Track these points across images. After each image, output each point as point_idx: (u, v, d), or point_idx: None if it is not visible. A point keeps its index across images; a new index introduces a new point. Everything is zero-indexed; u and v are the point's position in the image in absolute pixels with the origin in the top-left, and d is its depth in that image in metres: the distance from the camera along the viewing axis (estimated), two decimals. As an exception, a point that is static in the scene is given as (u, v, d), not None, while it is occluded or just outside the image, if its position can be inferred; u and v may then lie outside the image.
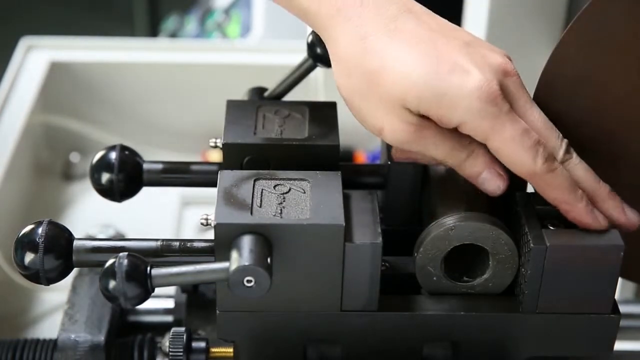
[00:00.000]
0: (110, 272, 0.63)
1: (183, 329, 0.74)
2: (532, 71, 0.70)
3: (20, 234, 0.66)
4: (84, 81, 1.26)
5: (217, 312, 0.68)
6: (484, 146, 0.65)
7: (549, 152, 0.64)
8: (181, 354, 0.73)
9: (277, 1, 0.70)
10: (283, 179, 0.68)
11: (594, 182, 0.67)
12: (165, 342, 0.77)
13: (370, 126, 0.68)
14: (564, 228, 0.67)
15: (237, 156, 0.72)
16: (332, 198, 0.67)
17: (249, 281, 0.62)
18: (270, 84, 0.79)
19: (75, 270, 0.74)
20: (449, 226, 0.68)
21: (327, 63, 0.73)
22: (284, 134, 0.73)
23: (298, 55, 0.77)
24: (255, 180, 0.68)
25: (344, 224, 0.65)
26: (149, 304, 0.67)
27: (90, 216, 1.13)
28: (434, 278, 0.69)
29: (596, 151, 0.69)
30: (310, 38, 0.73)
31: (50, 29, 1.89)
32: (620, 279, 0.70)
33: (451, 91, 0.63)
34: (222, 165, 0.72)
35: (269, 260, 0.63)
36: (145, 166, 0.76)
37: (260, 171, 0.69)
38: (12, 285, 1.01)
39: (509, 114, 0.64)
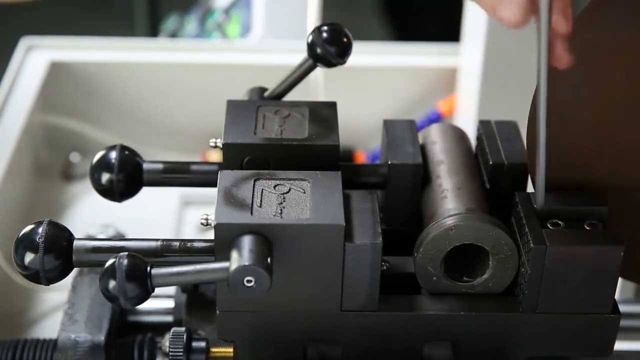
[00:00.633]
0: (110, 272, 0.63)
1: (183, 329, 0.74)
2: (532, 71, 0.70)
3: (20, 234, 0.66)
4: (84, 81, 1.26)
5: (217, 312, 0.68)
6: None
7: None
8: (181, 354, 0.73)
9: None
10: (283, 179, 0.68)
11: None
12: (165, 342, 0.77)
13: None
14: (564, 228, 0.67)
15: (237, 156, 0.72)
16: (332, 198, 0.67)
17: (249, 281, 0.62)
18: (270, 84, 0.79)
19: (75, 270, 0.74)
20: (449, 226, 0.68)
21: (327, 63, 0.73)
22: (284, 134, 0.73)
23: (298, 55, 0.77)
24: (255, 180, 0.68)
25: (344, 224, 0.65)
26: (149, 304, 0.67)
27: (90, 216, 1.13)
28: (434, 278, 0.69)
29: (597, 151, 0.69)
30: (310, 38, 0.73)
31: (50, 29, 1.89)
32: (620, 279, 0.70)
33: None
34: (222, 165, 0.72)
35: (269, 260, 0.63)
36: (145, 166, 0.76)
37: (260, 171, 0.69)
38: (12, 285, 1.01)
39: None
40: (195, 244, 0.67)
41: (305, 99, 0.76)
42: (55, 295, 1.02)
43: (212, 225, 0.65)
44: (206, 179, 0.76)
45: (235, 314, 0.69)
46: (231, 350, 0.73)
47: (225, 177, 0.68)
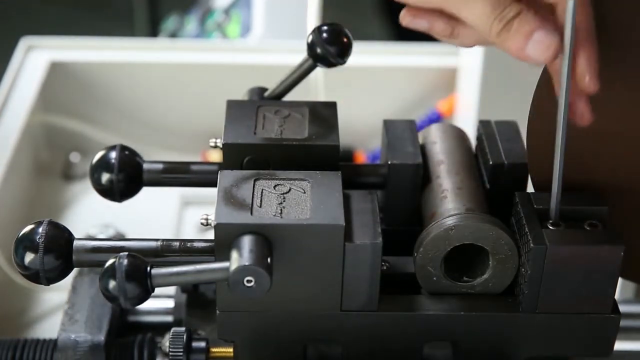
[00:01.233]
0: (110, 272, 0.63)
1: (183, 329, 0.74)
2: (532, 71, 0.70)
3: (20, 234, 0.66)
4: (84, 81, 1.26)
5: (217, 312, 0.68)
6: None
7: None
8: (181, 354, 0.73)
9: None
10: (283, 179, 0.68)
11: None
12: (165, 342, 0.77)
13: None
14: (564, 228, 0.67)
15: (237, 156, 0.72)
16: (332, 198, 0.67)
17: (249, 281, 0.62)
18: (270, 84, 0.79)
19: (75, 270, 0.74)
20: (449, 226, 0.68)
21: (327, 63, 0.73)
22: (284, 134, 0.73)
23: (298, 55, 0.77)
24: (255, 180, 0.68)
25: (344, 224, 0.65)
26: (149, 304, 0.67)
27: (90, 216, 1.13)
28: (434, 278, 0.69)
29: (597, 152, 0.69)
30: (310, 38, 0.73)
31: (50, 29, 1.89)
32: (620, 279, 0.70)
33: None
34: (222, 165, 0.72)
35: (269, 260, 0.63)
36: (145, 166, 0.76)
37: (260, 171, 0.69)
38: (12, 285, 1.01)
39: None
40: (195, 244, 0.67)
41: (305, 99, 0.76)
42: (55, 295, 1.02)
43: (212, 225, 0.65)
44: (206, 179, 0.76)
45: (235, 314, 0.69)
46: (231, 350, 0.73)
47: (225, 177, 0.68)
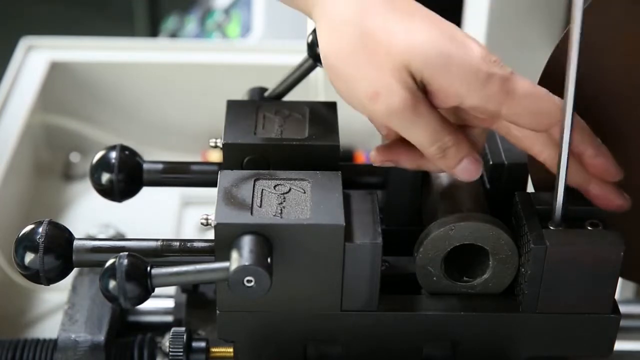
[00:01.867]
0: (110, 272, 0.63)
1: (183, 329, 0.74)
2: (532, 71, 0.70)
3: (20, 234, 0.66)
4: (84, 81, 1.26)
5: (217, 312, 0.68)
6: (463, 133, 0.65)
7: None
8: (181, 354, 0.73)
9: None
10: (283, 179, 0.68)
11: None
12: (165, 342, 0.77)
13: (361, 92, 0.63)
14: (564, 228, 0.67)
15: (237, 156, 0.72)
16: (332, 198, 0.67)
17: (249, 281, 0.62)
18: (270, 84, 0.79)
19: (75, 270, 0.74)
20: (449, 226, 0.68)
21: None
22: (284, 134, 0.73)
23: (298, 55, 0.77)
24: (255, 180, 0.68)
25: (344, 224, 0.65)
26: (149, 304, 0.68)
27: (90, 216, 1.13)
28: (434, 278, 0.69)
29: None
30: (311, 38, 0.73)
31: (50, 29, 1.89)
32: (620, 279, 0.70)
33: (458, 57, 0.62)
34: (222, 165, 0.72)
35: (269, 260, 0.63)
36: (145, 166, 0.76)
37: (260, 171, 0.69)
38: (12, 285, 1.01)
39: (513, 74, 0.63)
40: (195, 244, 0.67)
41: (305, 99, 0.76)
42: (55, 295, 1.02)
43: (212, 225, 0.65)
44: (206, 179, 0.76)
45: (235, 314, 0.69)
46: (231, 350, 0.73)
47: (225, 177, 0.68)
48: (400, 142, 0.67)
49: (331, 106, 0.75)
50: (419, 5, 0.65)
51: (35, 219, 0.67)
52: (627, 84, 0.68)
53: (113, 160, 0.74)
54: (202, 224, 0.67)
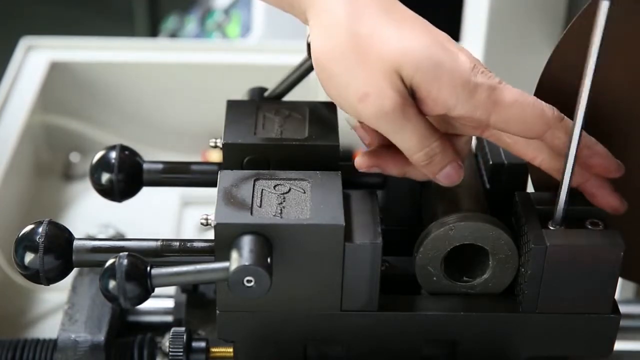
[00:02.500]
0: (110, 272, 0.63)
1: (183, 329, 0.74)
2: (532, 71, 0.70)
3: (20, 234, 0.66)
4: (84, 81, 1.26)
5: (217, 312, 0.68)
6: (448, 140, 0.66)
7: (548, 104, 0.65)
8: (181, 354, 0.73)
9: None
10: (283, 179, 0.68)
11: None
12: (165, 342, 0.77)
13: (351, 93, 0.64)
14: (564, 228, 0.67)
15: (237, 156, 0.72)
16: (332, 198, 0.67)
17: (249, 281, 0.62)
18: (270, 84, 0.78)
19: (75, 270, 0.74)
20: (449, 226, 0.68)
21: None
22: (284, 134, 0.73)
23: (298, 55, 0.77)
24: (255, 180, 0.68)
25: (344, 224, 0.65)
26: (149, 304, 0.67)
27: (90, 216, 1.13)
28: (434, 278, 0.69)
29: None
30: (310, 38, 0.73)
31: (50, 29, 1.89)
32: (620, 279, 0.70)
33: (448, 66, 0.63)
34: (222, 165, 0.72)
35: (269, 260, 0.63)
36: (145, 166, 0.76)
37: (260, 171, 0.69)
38: (12, 285, 1.01)
39: (502, 84, 0.64)
40: (195, 244, 0.67)
41: (305, 99, 0.76)
42: (55, 295, 1.02)
43: (212, 225, 0.65)
44: (206, 179, 0.76)
45: (235, 314, 0.69)
46: (231, 350, 0.73)
47: (225, 177, 0.68)
48: (386, 148, 0.68)
49: (331, 106, 0.75)
50: (413, 13, 0.66)
51: (35, 219, 0.67)
52: (627, 82, 0.68)
53: (113, 160, 0.74)
54: (202, 224, 0.67)
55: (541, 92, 0.69)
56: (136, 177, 0.76)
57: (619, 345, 0.73)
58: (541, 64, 0.69)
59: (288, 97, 0.78)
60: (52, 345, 0.77)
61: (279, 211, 0.66)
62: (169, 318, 0.84)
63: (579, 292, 0.68)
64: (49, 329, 1.00)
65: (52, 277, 0.66)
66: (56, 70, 1.24)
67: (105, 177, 0.74)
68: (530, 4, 1.09)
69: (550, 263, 0.66)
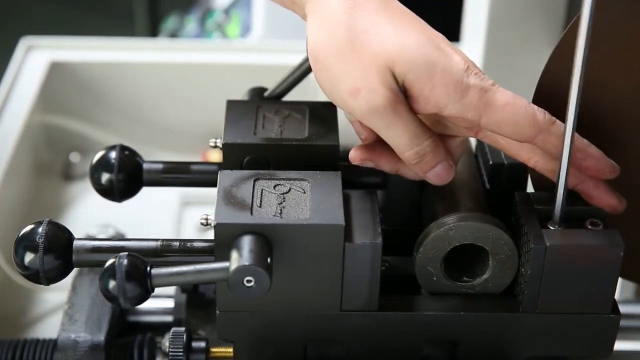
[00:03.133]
0: (110, 272, 0.63)
1: (183, 329, 0.74)
2: (532, 71, 0.70)
3: (20, 234, 0.66)
4: (84, 81, 1.26)
5: (217, 312, 0.68)
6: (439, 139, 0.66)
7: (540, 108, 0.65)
8: (181, 354, 0.73)
9: None
10: (283, 179, 0.68)
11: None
12: (165, 342, 0.77)
13: (343, 88, 0.65)
14: (564, 228, 0.67)
15: (237, 156, 0.72)
16: (332, 198, 0.67)
17: (249, 281, 0.62)
18: (270, 84, 0.78)
19: (75, 270, 0.74)
20: (449, 226, 0.68)
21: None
22: (284, 134, 0.73)
23: (298, 55, 0.77)
24: (255, 180, 0.68)
25: (344, 224, 0.65)
26: (149, 304, 0.67)
27: (90, 216, 1.13)
28: (434, 278, 0.69)
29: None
30: (310, 38, 0.73)
31: (50, 29, 1.89)
32: (620, 279, 0.70)
33: (441, 66, 0.63)
34: (222, 165, 0.72)
35: (269, 260, 0.63)
36: (145, 166, 0.76)
37: (260, 171, 0.69)
38: (12, 285, 1.01)
39: (494, 86, 0.65)
40: (195, 244, 0.67)
41: (305, 99, 0.76)
42: (55, 295, 1.02)
43: (212, 225, 0.65)
44: (206, 179, 0.76)
45: (235, 314, 0.69)
46: (231, 350, 0.73)
47: (225, 177, 0.68)
48: (381, 143, 0.68)
49: (331, 106, 0.75)
50: (410, 12, 0.66)
51: (35, 219, 0.67)
52: (625, 82, 0.68)
53: (113, 160, 0.74)
54: (202, 224, 0.67)
55: (541, 92, 0.69)
56: (136, 177, 0.76)
57: (619, 345, 0.73)
58: (541, 64, 0.69)
59: (288, 97, 0.78)
60: (52, 345, 0.77)
61: (279, 211, 0.66)
62: (169, 318, 0.84)
63: (578, 292, 0.68)
64: (49, 329, 1.00)
65: (52, 277, 0.66)
66: (56, 70, 1.24)
67: (105, 177, 0.74)
68: (530, 4, 1.09)
69: (550, 263, 0.66)
